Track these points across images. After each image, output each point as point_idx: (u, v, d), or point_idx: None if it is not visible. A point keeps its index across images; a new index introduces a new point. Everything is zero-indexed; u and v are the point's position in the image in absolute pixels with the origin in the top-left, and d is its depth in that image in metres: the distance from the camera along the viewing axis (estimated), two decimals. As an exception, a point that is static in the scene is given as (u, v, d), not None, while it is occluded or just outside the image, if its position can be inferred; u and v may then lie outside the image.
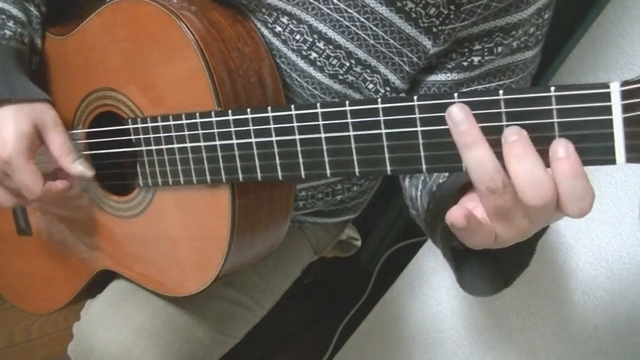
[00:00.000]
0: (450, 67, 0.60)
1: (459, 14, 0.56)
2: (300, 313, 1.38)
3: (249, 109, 0.51)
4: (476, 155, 0.38)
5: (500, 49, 0.58)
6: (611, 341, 0.74)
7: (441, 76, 0.61)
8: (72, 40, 0.67)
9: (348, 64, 0.60)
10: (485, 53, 0.58)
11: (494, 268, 0.50)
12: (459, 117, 0.38)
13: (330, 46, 0.59)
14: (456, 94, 0.40)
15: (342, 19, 0.58)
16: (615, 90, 0.35)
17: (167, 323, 0.68)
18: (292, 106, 0.48)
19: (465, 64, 0.59)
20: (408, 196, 0.64)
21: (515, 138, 0.37)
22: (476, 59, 0.59)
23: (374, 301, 1.09)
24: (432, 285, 0.95)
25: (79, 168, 0.61)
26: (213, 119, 0.53)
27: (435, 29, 0.57)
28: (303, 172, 0.49)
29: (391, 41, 0.58)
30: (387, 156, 0.44)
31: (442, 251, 0.53)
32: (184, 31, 0.55)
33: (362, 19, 0.57)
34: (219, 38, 0.58)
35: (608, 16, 0.74)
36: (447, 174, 0.51)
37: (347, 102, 0.45)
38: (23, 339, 1.20)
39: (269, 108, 0.49)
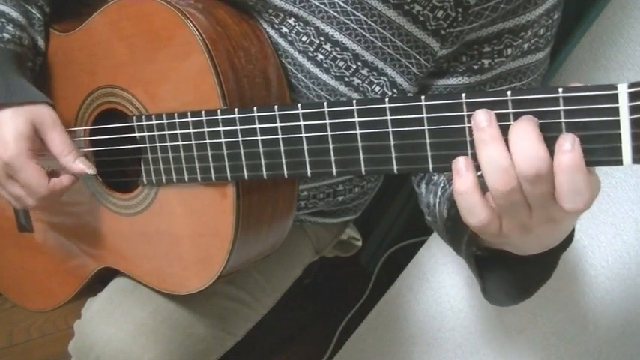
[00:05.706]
0: (460, 70, 0.60)
1: (466, 17, 0.56)
2: (300, 313, 1.38)
3: (255, 107, 0.51)
4: (489, 153, 0.39)
5: (509, 50, 0.58)
6: (611, 341, 0.74)
7: (452, 80, 0.61)
8: (77, 36, 0.66)
9: (354, 67, 0.60)
10: (495, 55, 0.58)
11: (516, 278, 0.51)
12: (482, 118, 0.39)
13: (337, 48, 0.59)
14: (463, 95, 0.40)
15: (349, 22, 0.57)
16: (623, 91, 0.35)
17: (167, 320, 0.68)
18: (299, 105, 0.48)
19: (476, 67, 0.59)
20: (425, 203, 0.64)
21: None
22: (486, 62, 0.59)
23: (374, 301, 1.09)
24: (432, 285, 0.95)
25: (80, 166, 0.61)
26: (219, 117, 0.53)
27: (442, 32, 0.57)
28: (309, 171, 0.49)
29: (399, 43, 0.58)
30: (393, 155, 0.44)
31: (466, 259, 0.53)
32: (190, 28, 0.55)
33: (370, 22, 0.57)
34: (225, 36, 0.58)
35: (608, 16, 0.74)
36: None
37: (354, 101, 0.45)
38: (23, 339, 1.19)
39: (275, 106, 0.49)
